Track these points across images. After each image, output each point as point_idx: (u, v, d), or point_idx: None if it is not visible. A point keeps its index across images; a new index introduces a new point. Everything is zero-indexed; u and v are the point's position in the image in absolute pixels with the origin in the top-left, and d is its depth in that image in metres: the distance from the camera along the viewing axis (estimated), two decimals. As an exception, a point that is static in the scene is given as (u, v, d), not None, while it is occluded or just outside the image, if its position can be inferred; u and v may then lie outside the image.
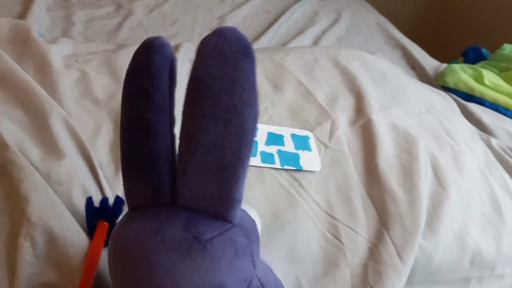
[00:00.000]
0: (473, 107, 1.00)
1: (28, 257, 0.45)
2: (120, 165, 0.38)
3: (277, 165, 0.68)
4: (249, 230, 0.37)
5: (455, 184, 0.71)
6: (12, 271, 0.46)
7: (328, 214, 0.64)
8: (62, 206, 0.51)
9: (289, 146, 0.72)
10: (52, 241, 0.47)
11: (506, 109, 1.01)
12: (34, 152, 0.56)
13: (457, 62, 1.33)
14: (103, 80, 0.74)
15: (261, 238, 0.56)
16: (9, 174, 0.51)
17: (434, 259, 0.63)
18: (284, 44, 1.26)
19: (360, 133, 0.77)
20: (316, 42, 1.30)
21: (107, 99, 0.70)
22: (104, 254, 0.48)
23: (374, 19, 1.55)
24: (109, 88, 0.73)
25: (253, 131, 0.33)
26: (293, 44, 1.25)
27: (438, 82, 1.12)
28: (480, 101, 1.03)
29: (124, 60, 0.78)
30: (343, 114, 0.80)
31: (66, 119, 0.63)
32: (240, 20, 1.36)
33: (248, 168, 0.34)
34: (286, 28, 1.35)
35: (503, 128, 0.94)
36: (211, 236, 0.33)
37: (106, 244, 0.49)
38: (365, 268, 0.59)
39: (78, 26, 1.15)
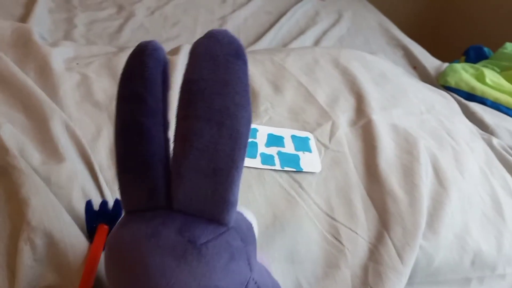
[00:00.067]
0: (475, 106, 1.00)
1: (28, 261, 0.46)
2: (120, 168, 0.38)
3: (277, 166, 0.68)
4: (246, 232, 0.37)
5: (456, 184, 0.71)
6: (12, 274, 0.46)
7: (328, 215, 0.64)
8: (62, 209, 0.51)
9: (289, 147, 0.72)
10: (52, 244, 0.47)
11: (508, 108, 1.01)
12: (35, 156, 0.57)
13: (458, 62, 1.33)
14: (103, 83, 0.74)
15: (261, 239, 0.56)
16: (9, 177, 0.51)
17: (434, 260, 0.63)
18: (285, 44, 1.26)
19: (361, 133, 0.77)
20: (317, 42, 1.30)
21: (107, 102, 0.71)
22: (103, 257, 0.48)
23: (375, 19, 1.54)
24: (110, 91, 0.73)
25: (246, 133, 0.33)
26: (294, 44, 1.25)
27: (440, 82, 1.11)
28: (482, 101, 1.03)
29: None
30: (344, 115, 0.80)
31: (66, 122, 0.63)
32: (241, 21, 1.36)
33: (242, 171, 0.34)
34: (287, 29, 1.35)
35: (504, 128, 0.93)
36: (206, 240, 0.33)
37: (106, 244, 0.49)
38: (365, 269, 0.59)
39: (80, 29, 1.16)
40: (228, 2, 1.46)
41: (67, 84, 0.71)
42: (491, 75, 1.09)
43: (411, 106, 0.87)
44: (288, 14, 1.42)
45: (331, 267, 0.59)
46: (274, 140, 0.73)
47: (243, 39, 1.26)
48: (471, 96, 1.04)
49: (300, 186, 0.66)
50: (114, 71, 0.77)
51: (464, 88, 1.05)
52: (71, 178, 0.56)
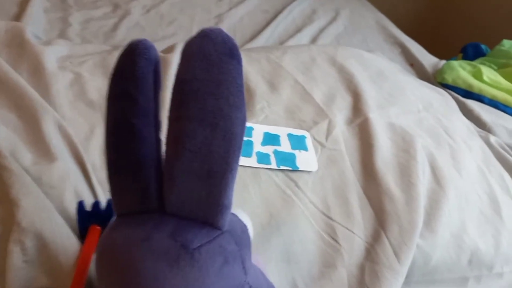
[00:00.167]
0: (472, 104, 1.00)
1: (18, 262, 0.45)
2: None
3: (273, 165, 0.68)
4: (240, 235, 0.36)
5: (453, 182, 0.70)
6: (2, 276, 0.45)
7: (324, 214, 0.63)
8: (53, 210, 0.50)
9: (285, 146, 0.72)
10: (43, 246, 0.46)
11: (505, 105, 1.01)
12: (26, 156, 0.56)
13: (456, 59, 1.32)
14: (97, 82, 0.74)
15: (257, 239, 0.56)
16: (0, 178, 0.51)
17: (432, 259, 0.63)
18: (282, 42, 1.26)
19: (357, 132, 0.77)
20: (314, 40, 1.30)
21: (101, 101, 0.70)
22: (95, 259, 0.47)
23: (372, 16, 1.54)
24: (103, 90, 0.72)
25: (241, 134, 0.33)
26: (291, 42, 1.24)
27: (437, 79, 1.11)
28: (479, 98, 1.03)
29: (119, 61, 0.78)
30: (340, 113, 0.80)
31: (59, 122, 0.62)
32: (237, 19, 1.35)
33: (237, 173, 0.33)
34: (284, 27, 1.34)
35: (501, 125, 0.93)
36: (199, 245, 0.32)
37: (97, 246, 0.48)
38: (362, 268, 0.59)
39: (75, 27, 1.15)
40: (224, 0, 1.45)
41: (60, 83, 0.71)
42: (489, 73, 1.09)
43: (408, 104, 0.87)
44: (285, 12, 1.41)
45: (327, 267, 0.58)
46: (270, 139, 0.72)
47: (239, 38, 1.25)
48: (468, 94, 1.04)
49: (296, 185, 0.66)
50: (108, 70, 0.76)
51: (462, 85, 1.05)
52: (63, 178, 0.55)
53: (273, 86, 0.84)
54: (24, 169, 0.53)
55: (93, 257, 0.47)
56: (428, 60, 1.26)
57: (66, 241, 0.48)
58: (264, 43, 1.24)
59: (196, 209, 0.33)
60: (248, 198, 0.63)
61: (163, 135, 0.35)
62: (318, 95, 0.83)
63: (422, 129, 0.81)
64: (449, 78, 1.07)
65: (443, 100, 0.96)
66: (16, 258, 0.45)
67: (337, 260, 0.59)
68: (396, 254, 0.59)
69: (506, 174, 0.78)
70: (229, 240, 0.34)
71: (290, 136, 0.74)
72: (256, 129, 0.73)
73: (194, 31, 1.25)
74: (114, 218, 0.38)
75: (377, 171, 0.69)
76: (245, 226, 0.39)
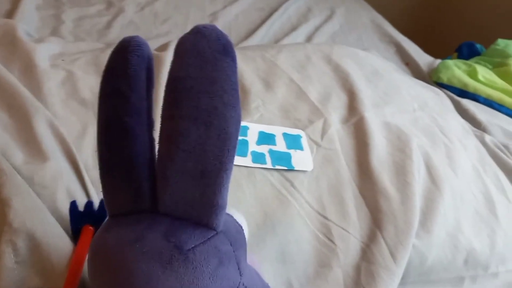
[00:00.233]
0: (467, 103, 0.99)
1: (10, 263, 0.44)
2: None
3: (269, 165, 0.67)
4: (235, 236, 0.36)
5: (448, 182, 0.70)
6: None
7: (320, 214, 0.63)
8: (45, 210, 0.50)
9: (280, 145, 0.71)
10: (35, 246, 0.46)
11: (500, 105, 1.01)
12: (18, 155, 0.55)
13: (451, 58, 1.32)
14: (90, 80, 0.73)
15: (252, 239, 0.55)
16: (-9, 178, 0.50)
17: (427, 259, 0.62)
18: (277, 41, 1.25)
19: (353, 131, 0.76)
20: (309, 39, 1.29)
21: (94, 100, 0.69)
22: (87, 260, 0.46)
23: (368, 15, 1.54)
24: (96, 88, 0.70)
25: (235, 134, 0.32)
26: (286, 41, 1.24)
27: (432, 78, 1.11)
28: (474, 97, 1.03)
29: (113, 59, 0.77)
30: (336, 112, 0.79)
31: (51, 121, 0.61)
32: (232, 17, 1.34)
33: (231, 173, 0.33)
34: (279, 25, 1.34)
35: (497, 125, 0.93)
36: (193, 245, 0.32)
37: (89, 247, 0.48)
38: (357, 269, 0.59)
39: (68, 25, 1.14)
40: (219, -2, 1.45)
41: (52, 81, 0.70)
42: (484, 72, 1.09)
43: (404, 103, 0.86)
44: (280, 11, 1.40)
45: (323, 267, 0.58)
46: (265, 138, 0.72)
47: (234, 36, 1.24)
48: (463, 93, 1.04)
49: (292, 184, 0.65)
50: (101, 68, 0.74)
51: (457, 84, 1.05)
52: (55, 178, 0.54)
53: (268, 84, 0.83)
54: (15, 169, 0.52)
55: (86, 258, 0.47)
56: (423, 59, 1.26)
57: (59, 241, 0.47)
58: (259, 41, 1.23)
59: (190, 209, 0.33)
60: (243, 198, 0.62)
61: (156, 134, 0.34)
62: (314, 94, 0.83)
63: (418, 128, 0.80)
64: (444, 77, 1.07)
65: (439, 99, 0.95)
66: (8, 258, 0.44)
67: (333, 260, 0.58)
68: (392, 254, 0.59)
69: (501, 174, 0.78)
70: (224, 241, 0.34)
71: (285, 135, 0.73)
72: (251, 128, 0.73)
73: (188, 29, 1.25)
74: (107, 218, 0.37)
75: (372, 170, 0.69)
76: (240, 226, 0.38)
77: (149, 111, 0.35)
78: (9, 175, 0.49)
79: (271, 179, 0.66)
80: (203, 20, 1.31)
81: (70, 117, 0.65)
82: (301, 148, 0.71)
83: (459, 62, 1.15)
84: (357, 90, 0.84)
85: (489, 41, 1.32)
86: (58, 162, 0.56)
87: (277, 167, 0.67)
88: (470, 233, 0.66)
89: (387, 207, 0.64)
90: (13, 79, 0.66)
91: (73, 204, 0.50)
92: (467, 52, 1.34)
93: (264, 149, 0.70)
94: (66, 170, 0.56)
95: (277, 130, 0.74)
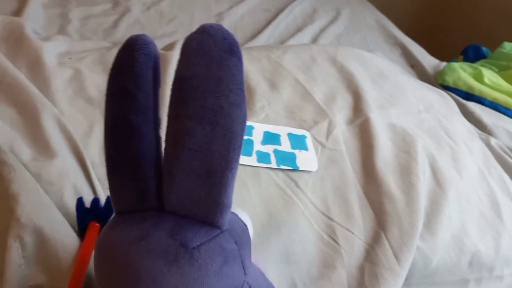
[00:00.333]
0: (473, 106, 0.99)
1: (17, 258, 0.44)
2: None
3: (273, 164, 0.67)
4: (240, 235, 0.36)
5: (453, 184, 0.70)
6: (0, 273, 0.45)
7: (324, 214, 0.63)
8: (52, 206, 0.50)
9: (285, 145, 0.71)
10: (42, 242, 0.46)
11: (506, 108, 1.01)
12: (25, 152, 0.56)
13: (456, 61, 1.32)
14: (96, 78, 0.73)
15: (256, 239, 0.56)
16: (-1, 174, 0.50)
17: (432, 261, 0.62)
18: (283, 42, 1.25)
19: (358, 132, 0.76)
20: (314, 40, 1.29)
21: (100, 98, 0.70)
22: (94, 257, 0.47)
23: (373, 17, 1.54)
24: (102, 86, 0.72)
25: (241, 133, 0.32)
26: (292, 42, 1.24)
27: (438, 81, 1.11)
28: (480, 100, 1.03)
29: (119, 58, 0.77)
30: (341, 113, 0.80)
31: (58, 118, 0.62)
32: (238, 18, 1.35)
33: (237, 172, 0.33)
34: (285, 26, 1.34)
35: (502, 128, 0.93)
36: (198, 243, 0.32)
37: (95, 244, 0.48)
38: (361, 270, 0.59)
39: (74, 24, 1.14)
40: (225, -2, 1.45)
41: (59, 79, 0.70)
42: (490, 75, 1.08)
43: (409, 105, 0.86)
44: (286, 11, 1.40)
45: (327, 268, 0.58)
46: (270, 138, 0.72)
47: (240, 36, 1.25)
48: (469, 96, 1.03)
49: (297, 184, 0.65)
50: (107, 67, 0.75)
51: (462, 87, 1.05)
52: (62, 175, 0.54)
53: (273, 85, 0.84)
54: (23, 165, 0.53)
55: (92, 255, 0.47)
56: (429, 61, 1.25)
57: (65, 237, 0.48)
58: (265, 42, 1.24)
59: (195, 208, 0.33)
60: (248, 197, 0.62)
61: (163, 132, 0.34)
62: (319, 95, 0.83)
63: (423, 130, 0.80)
64: (449, 80, 1.07)
65: (444, 102, 0.95)
66: (15, 254, 0.44)
67: (337, 261, 0.58)
68: (396, 256, 0.59)
69: (506, 176, 0.78)
70: (229, 240, 0.34)
71: (290, 135, 0.73)
72: (256, 128, 0.73)
73: (194, 29, 1.25)
74: (113, 216, 0.37)
75: (377, 172, 0.69)
76: (245, 225, 0.38)
77: (156, 110, 0.35)
78: (17, 171, 0.50)
79: (276, 179, 0.66)
80: (209, 20, 1.31)
81: (77, 115, 0.66)
82: (306, 149, 0.71)
83: (465, 65, 1.15)
84: (362, 91, 0.84)
85: (495, 44, 1.31)
86: (65, 159, 0.57)
87: (282, 167, 0.67)
88: (475, 235, 0.66)
89: (391, 208, 0.64)
90: (21, 76, 0.66)
91: (80, 201, 0.50)
92: (473, 55, 1.33)
93: (269, 149, 0.70)
94: (73, 167, 0.57)
95: (282, 130, 0.74)
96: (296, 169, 0.67)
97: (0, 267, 0.45)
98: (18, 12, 1.10)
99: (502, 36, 1.42)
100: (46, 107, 0.62)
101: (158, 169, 0.35)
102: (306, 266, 0.58)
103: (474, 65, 1.17)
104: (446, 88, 1.07)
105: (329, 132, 0.75)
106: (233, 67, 0.32)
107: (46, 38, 0.83)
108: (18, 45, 0.76)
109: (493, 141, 0.87)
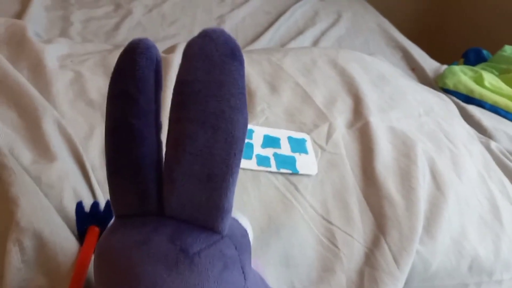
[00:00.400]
0: (473, 109, 0.99)
1: (16, 262, 0.44)
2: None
3: (273, 168, 0.67)
4: (240, 240, 0.36)
5: (453, 187, 0.70)
6: (0, 276, 0.45)
7: (324, 218, 0.63)
8: (52, 210, 0.50)
9: (285, 149, 0.71)
10: (42, 246, 0.46)
11: (506, 111, 1.00)
12: (26, 155, 0.56)
13: (457, 64, 1.32)
14: (98, 81, 0.73)
15: (256, 242, 0.56)
16: (-1, 177, 0.50)
17: (431, 265, 0.62)
18: (284, 44, 1.25)
19: (358, 136, 0.76)
20: (315, 42, 1.29)
21: (101, 101, 0.70)
22: (93, 261, 0.47)
23: (374, 20, 1.54)
24: (104, 89, 0.72)
25: (242, 138, 0.32)
26: (293, 44, 1.24)
27: (438, 84, 1.11)
28: (480, 104, 1.03)
29: (120, 61, 0.78)
30: (341, 116, 0.80)
31: (58, 121, 0.62)
32: (239, 20, 1.35)
33: (237, 177, 0.33)
34: (286, 29, 1.34)
35: (502, 131, 0.93)
36: (199, 249, 0.32)
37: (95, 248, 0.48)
38: (361, 274, 0.59)
39: (76, 26, 1.15)
40: (226, 1, 1.45)
41: (61, 82, 0.70)
42: (490, 78, 1.08)
43: (409, 108, 0.86)
44: (287, 14, 1.41)
45: (326, 271, 0.58)
46: (270, 141, 0.72)
47: (241, 39, 1.25)
48: (469, 99, 1.03)
49: (296, 188, 0.66)
50: (108, 69, 0.75)
51: (463, 90, 1.05)
52: (62, 178, 0.54)
53: (273, 88, 0.84)
54: (23, 168, 0.53)
55: (92, 259, 0.47)
56: (429, 64, 1.25)
57: (65, 241, 0.48)
58: (266, 44, 1.24)
59: (196, 212, 0.33)
60: (248, 201, 0.62)
61: (164, 136, 0.34)
62: (319, 98, 0.83)
63: (423, 134, 0.80)
64: (450, 83, 1.07)
65: (444, 105, 0.95)
66: (15, 258, 0.44)
67: (336, 265, 0.58)
68: (396, 260, 0.59)
69: (506, 180, 0.78)
70: (229, 245, 0.34)
71: (290, 139, 0.73)
72: (256, 132, 0.73)
73: (195, 32, 1.24)
74: (113, 220, 0.38)
75: (377, 176, 0.69)
76: (245, 230, 0.38)
77: (157, 114, 0.35)
78: (17, 174, 0.50)
79: (275, 183, 0.66)
80: (210, 22, 1.31)
81: (77, 118, 0.66)
82: (305, 152, 0.71)
83: (465, 68, 1.15)
84: (363, 95, 0.84)
85: (496, 47, 1.31)
86: (65, 162, 0.57)
87: (282, 170, 0.67)
88: (474, 239, 0.66)
89: (391, 212, 0.64)
90: (22, 79, 0.66)
91: (79, 205, 0.50)
92: (473, 58, 1.33)
93: (269, 152, 0.70)
94: (73, 170, 0.57)
95: (282, 134, 0.74)
96: (296, 173, 0.67)
97: (0, 271, 0.45)
98: (20, 14, 1.11)
99: (503, 39, 1.42)
100: (46, 110, 0.62)
101: (158, 173, 0.35)
102: (306, 270, 0.58)
103: (475, 68, 1.17)
104: (446, 91, 1.07)
105: (329, 136, 0.75)
106: (235, 71, 0.32)
107: (48, 41, 0.83)
108: (20, 47, 0.76)
109: (493, 144, 0.87)
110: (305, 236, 0.60)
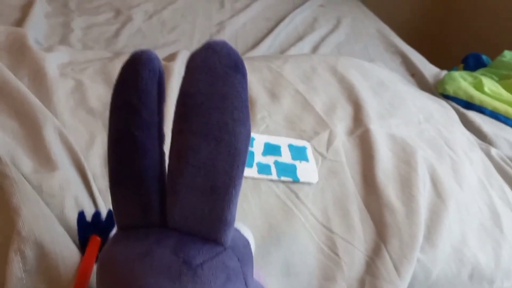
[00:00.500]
0: (473, 115, 0.99)
1: (18, 272, 0.44)
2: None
3: (274, 176, 0.67)
4: (242, 251, 0.36)
5: (453, 195, 0.70)
6: (1, 285, 0.45)
7: (325, 226, 0.63)
8: (53, 219, 0.50)
9: (286, 156, 0.71)
10: (43, 255, 0.46)
11: (506, 117, 1.01)
12: (27, 164, 0.56)
13: (457, 69, 1.32)
14: (98, 89, 0.74)
15: (257, 251, 0.55)
16: (0, 186, 0.50)
17: (432, 273, 0.62)
18: (283, 50, 1.26)
19: (358, 143, 0.76)
20: (315, 49, 1.30)
21: (102, 109, 0.70)
22: (95, 270, 0.47)
23: (374, 25, 1.54)
24: (104, 97, 0.72)
25: (245, 150, 0.32)
26: (292, 51, 1.25)
27: (438, 90, 1.11)
28: (480, 110, 1.03)
29: (121, 68, 0.78)
30: (341, 123, 0.80)
31: (59, 130, 0.62)
32: (239, 27, 1.35)
33: (240, 188, 0.33)
34: (286, 35, 1.35)
35: (503, 137, 0.93)
36: (202, 261, 0.32)
37: (98, 259, 0.48)
38: (362, 282, 0.59)
39: (76, 33, 1.15)
40: (226, 7, 1.46)
41: (61, 90, 0.70)
42: (490, 84, 1.09)
43: (409, 115, 0.87)
44: (287, 20, 1.41)
45: (327, 280, 0.58)
46: (271, 149, 0.72)
47: (241, 45, 1.25)
48: (469, 105, 1.04)
49: (297, 196, 0.66)
50: (109, 77, 0.76)
51: (462, 96, 1.05)
52: (64, 187, 0.54)
53: (274, 95, 0.84)
54: (24, 177, 0.53)
55: (93, 268, 0.47)
56: (429, 70, 1.26)
57: (66, 251, 0.48)
58: (265, 50, 1.24)
59: (198, 224, 0.33)
60: (248, 209, 0.62)
61: (167, 148, 0.35)
62: (319, 105, 0.83)
63: (423, 141, 0.80)
64: (450, 89, 1.07)
65: (444, 111, 0.95)
66: (16, 267, 0.44)
67: (337, 273, 0.58)
68: (397, 268, 0.59)
69: (506, 187, 0.78)
70: (232, 257, 0.34)
71: (291, 146, 0.74)
72: (257, 140, 0.73)
73: (195, 38, 1.26)
74: (114, 230, 0.38)
75: (378, 183, 0.69)
76: (247, 240, 0.38)
77: (160, 125, 0.35)
78: (19, 183, 0.50)
79: (276, 191, 0.66)
80: (210, 29, 1.32)
81: (78, 126, 0.66)
82: (306, 160, 0.71)
83: (465, 74, 1.15)
84: (363, 102, 0.85)
85: (496, 52, 1.32)
86: (66, 171, 0.57)
87: (283, 178, 0.67)
88: (475, 247, 0.66)
89: (392, 220, 0.64)
90: (23, 87, 0.66)
91: (81, 215, 0.50)
92: (473, 63, 1.34)
93: (269, 160, 0.70)
94: (74, 179, 0.57)
95: (282, 141, 0.74)
96: (296, 181, 0.67)
97: (0, 280, 0.45)
98: (21, 20, 1.11)
99: (503, 45, 1.43)
100: (47, 118, 0.62)
101: (161, 185, 0.35)
102: (307, 278, 0.58)
103: (475, 74, 1.17)
104: (446, 97, 1.07)
105: (329, 143, 0.75)
106: (238, 84, 0.32)
107: (49, 49, 0.83)
108: (21, 55, 0.77)
109: (493, 151, 0.87)
110: (306, 244, 0.60)
